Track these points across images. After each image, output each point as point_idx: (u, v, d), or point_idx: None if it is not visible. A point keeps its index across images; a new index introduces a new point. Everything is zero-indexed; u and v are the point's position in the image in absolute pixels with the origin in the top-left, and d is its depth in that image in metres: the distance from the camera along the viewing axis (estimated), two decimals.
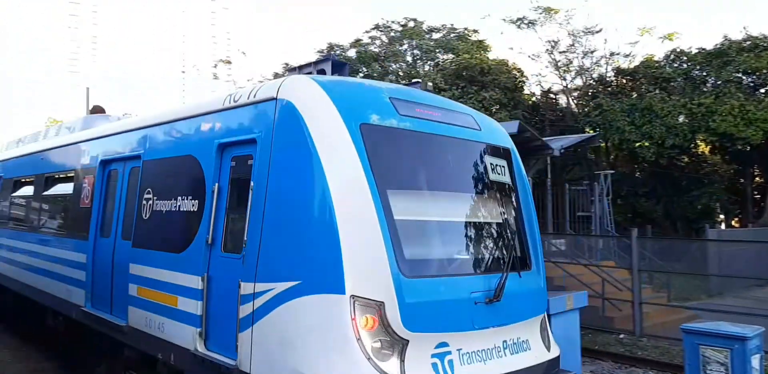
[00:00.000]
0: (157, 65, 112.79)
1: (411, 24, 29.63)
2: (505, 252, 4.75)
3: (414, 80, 13.72)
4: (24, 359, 9.23)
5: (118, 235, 6.25)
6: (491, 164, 5.03)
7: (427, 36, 29.43)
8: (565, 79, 27.13)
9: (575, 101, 27.17)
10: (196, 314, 4.68)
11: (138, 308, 5.57)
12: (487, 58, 26.31)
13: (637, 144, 22.39)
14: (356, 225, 3.85)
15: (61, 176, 8.42)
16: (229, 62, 45.14)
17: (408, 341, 3.84)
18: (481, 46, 27.93)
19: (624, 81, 25.66)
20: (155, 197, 5.64)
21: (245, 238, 4.31)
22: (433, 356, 3.94)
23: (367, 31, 30.56)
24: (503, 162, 5.23)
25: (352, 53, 30.52)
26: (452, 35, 29.00)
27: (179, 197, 5.27)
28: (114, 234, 6.35)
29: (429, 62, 29.19)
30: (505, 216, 5.04)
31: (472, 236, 4.76)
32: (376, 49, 29.52)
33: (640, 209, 24.21)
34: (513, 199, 5.22)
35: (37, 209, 9.14)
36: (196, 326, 4.67)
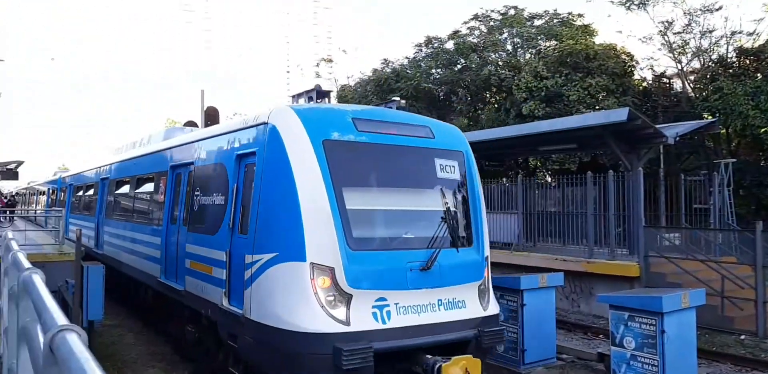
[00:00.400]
0: (263, 65, 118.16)
1: (511, 12, 28.94)
2: (441, 233, 5.98)
3: (393, 98, 15.51)
4: (145, 342, 10.10)
5: (180, 222, 8.10)
6: (441, 164, 6.43)
7: (529, 23, 28.65)
8: (680, 62, 25.30)
9: (692, 85, 25.31)
10: (223, 279, 6.31)
11: (190, 276, 7.35)
12: (593, 43, 25.17)
13: (763, 130, 20.52)
14: (315, 214, 5.38)
15: (146, 177, 10.66)
16: (330, 61, 46.35)
17: (352, 295, 5.33)
18: (587, 30, 26.77)
19: (747, 62, 23.49)
20: (201, 194, 7.47)
21: (249, 223, 5.93)
22: (373, 307, 5.41)
23: (465, 22, 30.24)
24: (454, 162, 6.58)
25: (450, 45, 30.33)
26: (555, 21, 28.01)
27: (214, 194, 7.05)
28: (178, 222, 8.22)
29: (530, 50, 28.40)
30: (449, 205, 6.28)
31: (415, 221, 6.26)
32: (475, 40, 29.13)
33: (765, 201, 22.19)
34: (461, 192, 6.62)
35: (131, 203, 11.51)
36: (223, 287, 6.30)
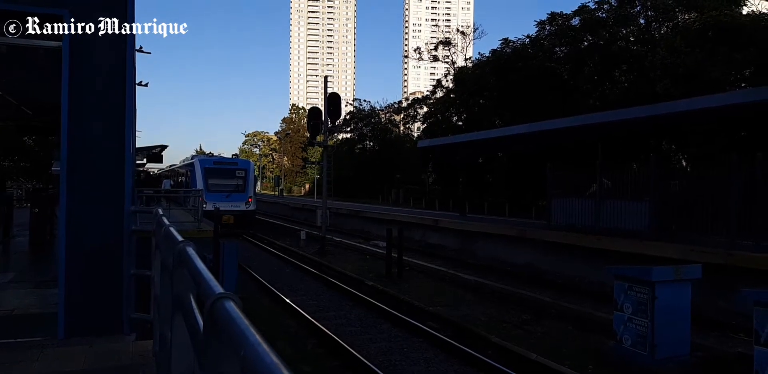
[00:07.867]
0: (381, 53, 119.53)
1: None
2: (235, 189, 29.26)
3: (234, 154, 40.71)
4: (273, 316, 10.79)
5: (184, 186, 32.54)
6: (238, 172, 29.89)
7: None
8: None
9: None
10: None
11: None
12: (740, 13, 22.83)
13: None
14: (200, 182, 27.94)
15: (181, 171, 36.90)
16: (448, 43, 45.91)
17: (207, 202, 23.45)
18: (733, 0, 24.28)
19: None
20: (185, 177, 33.70)
21: (190, 184, 29.83)
22: (214, 205, 25.34)
23: None
24: (243, 171, 30.06)
25: (575, 21, 28.90)
26: None
27: (184, 177, 33.63)
28: (183, 186, 33.14)
29: (666, 24, 26.32)
30: (240, 183, 29.63)
31: (228, 186, 29.18)
32: (604, 15, 27.52)
33: None
34: (244, 180, 29.78)
35: (175, 183, 36.41)
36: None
